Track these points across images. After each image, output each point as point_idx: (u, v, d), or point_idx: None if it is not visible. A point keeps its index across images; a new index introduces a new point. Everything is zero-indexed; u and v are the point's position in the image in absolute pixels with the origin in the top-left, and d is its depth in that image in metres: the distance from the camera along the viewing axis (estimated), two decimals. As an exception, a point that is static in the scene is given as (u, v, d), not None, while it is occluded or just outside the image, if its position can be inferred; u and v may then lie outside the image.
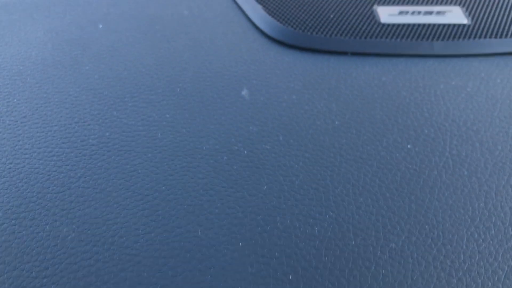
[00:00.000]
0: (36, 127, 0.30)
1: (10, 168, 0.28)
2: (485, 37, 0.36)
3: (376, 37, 0.36)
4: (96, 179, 0.27)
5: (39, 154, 0.28)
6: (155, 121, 0.30)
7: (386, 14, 0.38)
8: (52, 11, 0.40)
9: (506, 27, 0.37)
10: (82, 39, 0.37)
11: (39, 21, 0.39)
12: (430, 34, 0.36)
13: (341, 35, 0.36)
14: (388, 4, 0.39)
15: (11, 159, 0.28)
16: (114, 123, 0.30)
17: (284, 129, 0.30)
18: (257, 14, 0.38)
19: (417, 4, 0.39)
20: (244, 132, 0.30)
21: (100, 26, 0.38)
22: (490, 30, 0.37)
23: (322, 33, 0.36)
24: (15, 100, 0.32)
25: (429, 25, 0.37)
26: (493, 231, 0.24)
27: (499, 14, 0.38)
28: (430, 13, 0.38)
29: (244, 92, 0.32)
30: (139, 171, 0.27)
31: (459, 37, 0.36)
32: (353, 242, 0.24)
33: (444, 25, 0.37)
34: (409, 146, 0.29)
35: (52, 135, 0.30)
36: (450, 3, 0.39)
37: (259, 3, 0.39)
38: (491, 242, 0.24)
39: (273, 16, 0.38)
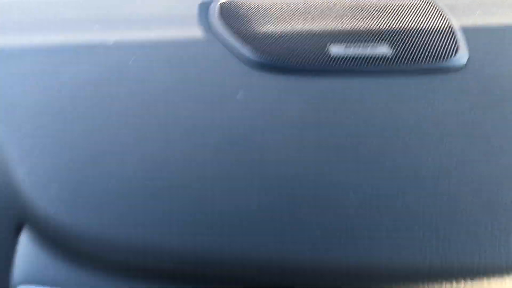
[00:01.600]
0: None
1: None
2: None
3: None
4: None
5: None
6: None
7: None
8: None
9: (420, 54, 0.51)
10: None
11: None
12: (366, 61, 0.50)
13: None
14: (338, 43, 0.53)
15: None
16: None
17: (271, 126, 0.42)
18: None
19: (360, 42, 0.53)
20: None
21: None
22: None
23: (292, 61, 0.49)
24: None
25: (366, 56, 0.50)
26: None
27: (416, 45, 0.52)
28: (366, 48, 0.52)
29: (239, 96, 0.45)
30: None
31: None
32: None
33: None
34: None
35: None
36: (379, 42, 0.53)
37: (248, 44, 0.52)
38: None
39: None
